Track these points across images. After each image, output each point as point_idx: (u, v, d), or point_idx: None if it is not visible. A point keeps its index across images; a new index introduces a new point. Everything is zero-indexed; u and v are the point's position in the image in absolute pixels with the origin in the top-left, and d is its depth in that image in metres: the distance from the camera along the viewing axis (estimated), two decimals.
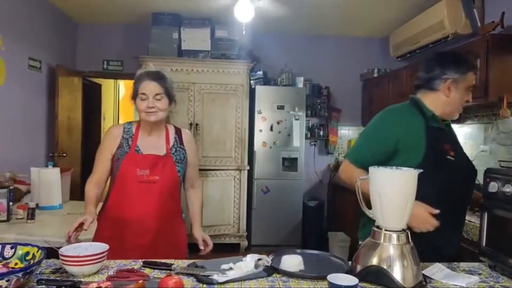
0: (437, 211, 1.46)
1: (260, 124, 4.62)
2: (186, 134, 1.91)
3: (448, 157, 1.59)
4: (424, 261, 1.37)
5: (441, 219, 1.46)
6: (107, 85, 6.58)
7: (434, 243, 1.52)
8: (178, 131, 1.89)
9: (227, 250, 4.39)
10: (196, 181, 2.00)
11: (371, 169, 1.31)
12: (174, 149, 1.82)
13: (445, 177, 1.55)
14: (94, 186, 1.77)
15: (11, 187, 2.51)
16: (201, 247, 1.83)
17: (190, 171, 1.92)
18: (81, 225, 1.53)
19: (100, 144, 1.83)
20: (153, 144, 1.79)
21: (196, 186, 2.01)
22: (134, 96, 1.76)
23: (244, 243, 4.55)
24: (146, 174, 1.72)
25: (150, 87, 1.73)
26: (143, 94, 1.72)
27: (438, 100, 1.66)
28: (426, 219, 1.46)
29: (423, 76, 1.71)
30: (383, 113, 1.73)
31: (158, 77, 1.75)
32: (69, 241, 1.47)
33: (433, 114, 1.64)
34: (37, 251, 1.24)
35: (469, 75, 1.66)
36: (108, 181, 1.83)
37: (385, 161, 1.57)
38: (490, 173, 1.49)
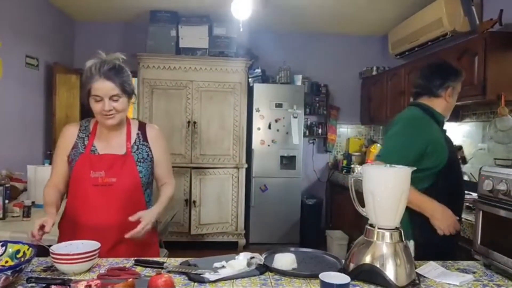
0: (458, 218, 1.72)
1: (258, 122, 4.61)
2: (152, 129, 1.70)
3: (459, 156, 1.90)
4: (423, 256, 1.50)
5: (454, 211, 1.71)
6: None
7: (435, 238, 1.69)
8: (142, 126, 1.69)
9: (225, 248, 4.38)
10: (168, 179, 1.75)
11: (364, 166, 1.31)
12: (135, 147, 1.63)
13: (457, 174, 1.84)
14: (51, 189, 1.62)
15: (7, 185, 2.50)
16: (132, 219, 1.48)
17: (158, 170, 1.71)
18: (42, 227, 1.40)
19: (56, 145, 1.68)
20: (112, 143, 1.62)
21: (169, 183, 1.75)
22: (87, 96, 1.54)
23: (242, 241, 4.55)
24: (101, 176, 1.54)
25: (104, 88, 1.50)
26: (97, 96, 1.51)
27: (441, 105, 1.88)
28: (454, 223, 1.69)
29: (425, 84, 1.91)
30: (410, 119, 1.86)
31: (113, 73, 1.51)
32: (36, 240, 1.38)
33: (443, 118, 1.89)
34: (28, 249, 1.23)
35: (460, 81, 1.92)
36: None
37: (414, 165, 1.61)
38: (484, 171, 1.48)
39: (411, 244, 1.77)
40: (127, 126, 1.66)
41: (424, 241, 1.60)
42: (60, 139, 1.66)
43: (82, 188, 1.55)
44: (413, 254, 1.74)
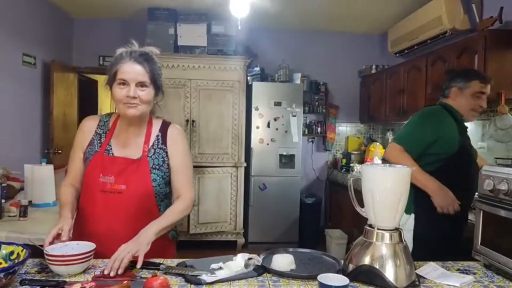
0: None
1: (257, 121, 4.59)
2: (172, 131, 1.52)
3: (471, 150, 2.07)
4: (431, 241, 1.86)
5: (461, 202, 1.93)
6: (103, 81, 6.53)
7: (434, 215, 1.93)
8: (164, 127, 1.52)
9: (223, 247, 4.37)
10: (184, 191, 1.50)
11: (363, 166, 1.29)
12: (152, 150, 1.47)
13: (468, 168, 2.00)
14: (68, 187, 1.49)
15: (4, 184, 2.48)
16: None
17: (176, 179, 1.50)
18: (58, 236, 1.30)
19: (74, 140, 1.55)
20: (129, 143, 1.47)
21: (184, 198, 1.49)
22: (111, 81, 1.39)
23: (241, 240, 4.53)
24: (110, 182, 1.40)
25: (133, 72, 1.36)
26: (123, 80, 1.36)
27: (453, 104, 2.08)
28: (453, 201, 1.91)
29: (440, 87, 2.21)
30: (426, 112, 2.11)
31: (144, 58, 1.39)
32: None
33: (460, 116, 2.06)
34: (22, 251, 1.21)
35: (473, 83, 2.05)
36: None
37: (424, 150, 2.01)
38: (485, 171, 1.46)
39: (411, 217, 2.03)
40: (147, 126, 1.50)
41: (424, 217, 1.96)
42: (78, 133, 1.52)
43: (90, 192, 1.43)
44: (411, 228, 2.01)
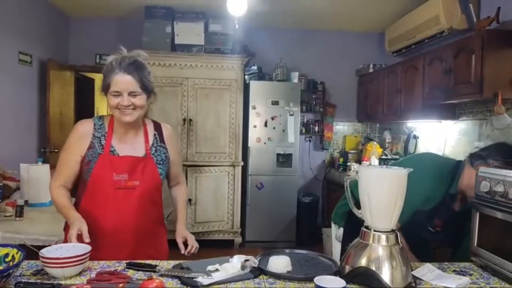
0: None
1: (255, 120, 4.58)
2: (167, 130, 1.69)
3: (430, 228, 1.71)
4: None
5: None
6: (100, 79, 6.49)
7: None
8: (157, 127, 1.66)
9: (221, 246, 4.37)
10: (181, 177, 1.81)
11: (360, 167, 1.29)
12: (154, 148, 1.61)
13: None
14: (62, 189, 1.54)
15: (0, 184, 2.47)
16: (182, 251, 1.58)
17: (174, 170, 1.73)
18: (79, 237, 1.33)
19: (66, 142, 1.57)
20: (130, 144, 1.57)
21: (181, 182, 1.82)
22: (105, 89, 1.50)
23: (238, 239, 4.54)
24: (124, 179, 1.50)
25: (124, 83, 1.46)
26: (116, 92, 1.46)
27: (468, 175, 1.62)
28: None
29: (479, 153, 1.66)
30: (417, 176, 1.47)
31: (134, 68, 1.47)
32: None
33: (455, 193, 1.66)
34: (17, 253, 1.21)
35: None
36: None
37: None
38: (481, 172, 1.46)
39: (340, 231, 1.93)
40: (143, 127, 1.62)
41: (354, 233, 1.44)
42: (73, 137, 1.55)
43: (103, 191, 1.49)
44: (340, 240, 1.90)
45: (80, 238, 1.33)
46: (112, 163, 1.51)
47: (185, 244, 1.63)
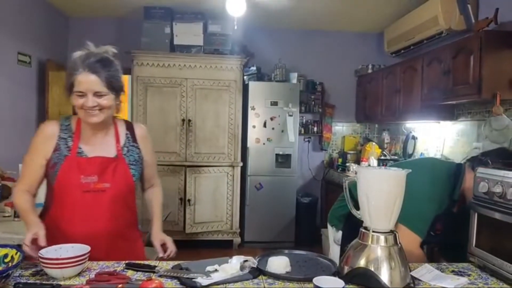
0: None
1: (254, 120, 4.59)
2: (140, 129, 1.60)
3: (431, 232, 1.66)
4: None
5: None
6: None
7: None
8: (129, 127, 1.58)
9: (220, 246, 4.38)
10: (155, 180, 1.72)
11: (359, 168, 1.29)
12: (126, 149, 1.52)
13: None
14: (25, 194, 1.45)
15: None
16: (160, 254, 1.53)
17: (148, 172, 1.64)
18: (34, 241, 1.27)
19: (30, 145, 1.48)
20: (100, 145, 1.48)
21: (156, 185, 1.73)
22: (69, 89, 1.39)
23: (237, 239, 4.54)
24: (93, 182, 1.42)
25: (88, 82, 1.35)
26: (79, 92, 1.36)
27: (469, 179, 1.61)
28: None
29: (480, 158, 1.66)
30: (432, 181, 1.63)
31: (100, 66, 1.37)
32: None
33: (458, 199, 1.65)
34: (16, 253, 1.21)
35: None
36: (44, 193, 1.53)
37: None
38: (480, 173, 1.47)
39: (339, 234, 1.90)
40: (114, 126, 1.54)
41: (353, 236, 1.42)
42: (37, 139, 1.47)
43: (71, 194, 1.41)
44: (339, 243, 1.86)
45: (36, 243, 1.27)
46: (80, 165, 1.43)
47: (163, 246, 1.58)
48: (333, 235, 2.00)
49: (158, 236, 1.59)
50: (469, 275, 1.37)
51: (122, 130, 1.56)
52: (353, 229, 1.41)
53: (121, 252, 1.47)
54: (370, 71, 4.91)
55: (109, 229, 1.45)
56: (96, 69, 1.36)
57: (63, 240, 1.33)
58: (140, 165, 1.55)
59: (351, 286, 1.23)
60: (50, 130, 1.47)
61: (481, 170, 1.47)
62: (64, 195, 1.43)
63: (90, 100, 1.37)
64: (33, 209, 1.43)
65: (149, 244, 1.62)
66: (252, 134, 4.59)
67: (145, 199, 1.74)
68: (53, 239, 1.33)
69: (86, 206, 1.42)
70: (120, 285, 1.05)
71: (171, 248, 1.55)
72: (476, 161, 1.66)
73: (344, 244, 1.78)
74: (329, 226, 2.06)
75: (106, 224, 1.44)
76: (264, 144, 4.61)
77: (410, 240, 1.52)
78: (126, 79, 6.03)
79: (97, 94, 1.38)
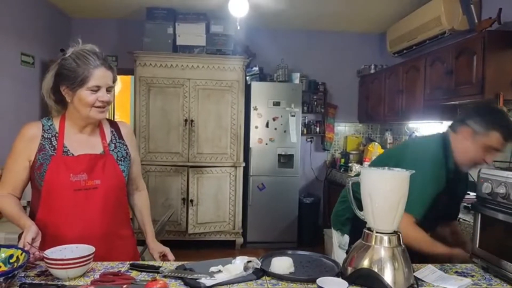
0: None
1: (256, 121, 4.59)
2: (125, 127, 1.61)
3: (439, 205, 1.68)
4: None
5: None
6: None
7: None
8: (113, 125, 1.58)
9: (222, 247, 4.39)
10: (140, 181, 1.69)
11: (362, 169, 1.30)
12: (113, 145, 1.51)
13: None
14: (11, 198, 1.41)
15: None
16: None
17: (134, 170, 1.62)
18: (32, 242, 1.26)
19: (12, 149, 1.44)
20: (85, 142, 1.46)
21: (142, 188, 1.70)
22: (80, 84, 1.35)
23: (240, 240, 4.54)
24: (83, 179, 1.39)
25: (106, 78, 1.38)
26: (97, 86, 1.36)
27: (457, 145, 1.67)
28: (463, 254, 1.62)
29: (456, 118, 1.77)
30: (431, 164, 1.65)
31: (110, 62, 1.43)
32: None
33: (455, 163, 1.69)
34: (21, 254, 1.21)
35: (494, 135, 1.59)
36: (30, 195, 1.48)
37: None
38: (483, 174, 1.47)
39: (345, 238, 1.89)
40: (99, 124, 1.52)
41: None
42: (19, 141, 1.43)
43: (62, 194, 1.37)
44: (346, 248, 1.85)
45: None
46: (67, 164, 1.39)
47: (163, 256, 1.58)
48: (338, 240, 1.98)
49: (156, 248, 1.58)
50: (472, 276, 1.37)
51: (107, 127, 1.55)
52: (360, 234, 1.36)
53: (117, 251, 1.46)
54: (372, 71, 4.91)
55: (104, 227, 1.42)
56: (110, 65, 1.42)
57: (55, 244, 1.30)
58: (128, 162, 1.54)
59: (354, 287, 1.23)
60: (32, 131, 1.44)
61: (484, 171, 1.47)
62: (53, 196, 1.38)
63: (106, 95, 1.39)
64: (23, 212, 1.39)
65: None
66: (254, 135, 4.60)
67: (131, 205, 1.68)
68: (44, 244, 1.30)
69: (78, 205, 1.39)
70: (125, 286, 1.05)
71: (171, 258, 1.55)
72: (455, 122, 1.72)
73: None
74: (333, 231, 2.04)
75: (101, 222, 1.42)
76: (266, 144, 4.62)
77: (404, 220, 1.45)
78: (128, 79, 6.08)
79: (108, 90, 1.41)
